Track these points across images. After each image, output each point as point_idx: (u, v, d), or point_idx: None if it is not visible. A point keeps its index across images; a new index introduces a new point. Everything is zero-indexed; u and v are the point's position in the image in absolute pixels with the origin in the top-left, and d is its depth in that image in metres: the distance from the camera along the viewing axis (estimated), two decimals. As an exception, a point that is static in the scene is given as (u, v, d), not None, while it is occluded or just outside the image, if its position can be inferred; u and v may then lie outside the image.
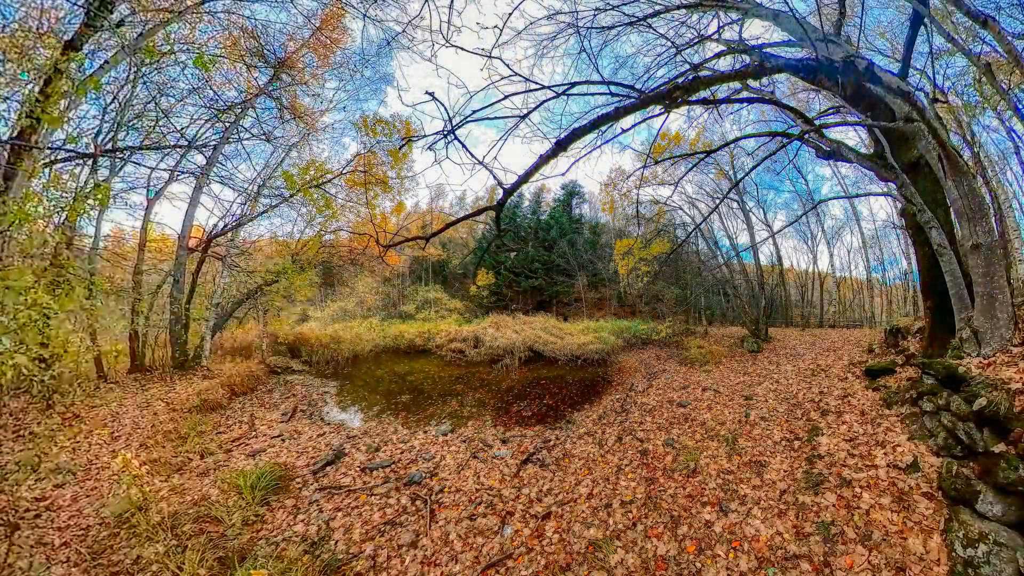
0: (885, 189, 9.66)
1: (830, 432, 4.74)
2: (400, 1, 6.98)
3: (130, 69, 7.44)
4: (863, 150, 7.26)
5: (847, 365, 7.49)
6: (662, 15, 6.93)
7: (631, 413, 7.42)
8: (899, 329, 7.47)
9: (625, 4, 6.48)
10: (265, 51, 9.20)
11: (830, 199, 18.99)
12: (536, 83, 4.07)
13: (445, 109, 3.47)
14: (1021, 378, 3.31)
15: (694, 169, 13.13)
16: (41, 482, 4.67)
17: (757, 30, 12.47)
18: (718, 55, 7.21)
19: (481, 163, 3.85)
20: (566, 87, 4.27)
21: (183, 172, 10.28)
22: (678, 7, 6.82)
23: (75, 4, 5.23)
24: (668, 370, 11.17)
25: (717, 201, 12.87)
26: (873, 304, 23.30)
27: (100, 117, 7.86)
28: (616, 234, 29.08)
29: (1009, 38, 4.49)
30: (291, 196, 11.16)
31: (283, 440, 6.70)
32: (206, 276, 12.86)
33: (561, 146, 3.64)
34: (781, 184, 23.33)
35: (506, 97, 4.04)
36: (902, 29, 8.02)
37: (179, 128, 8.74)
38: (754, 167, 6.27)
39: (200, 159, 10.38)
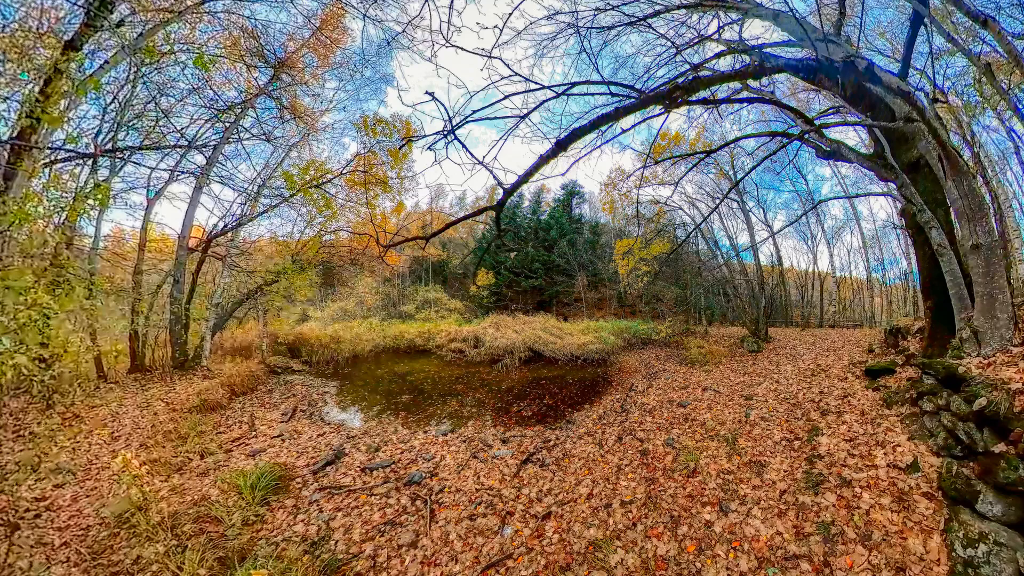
0: (885, 189, 9.67)
1: (830, 432, 4.73)
2: (400, 1, 7.00)
3: (130, 69, 7.44)
4: (863, 150, 7.26)
5: (847, 365, 7.48)
6: (662, 15, 6.93)
7: (631, 413, 7.42)
8: (899, 329, 7.46)
9: (625, 4, 6.48)
10: (265, 51, 9.20)
11: (830, 199, 19.07)
12: (536, 83, 4.08)
13: (445, 109, 3.47)
14: (1021, 378, 3.31)
15: (694, 169, 13.14)
16: (41, 482, 4.67)
17: (757, 30, 12.48)
18: (718, 55, 7.21)
19: (481, 163, 3.85)
20: (566, 87, 4.27)
21: (183, 172, 10.30)
22: (678, 7, 6.82)
23: (75, 4, 5.23)
24: (668, 370, 11.17)
25: (717, 201, 12.88)
26: (873, 304, 23.31)
27: (100, 117, 7.87)
28: (616, 234, 29.07)
29: (1009, 38, 4.49)
30: (291, 196, 11.16)
31: (283, 440, 6.70)
32: (206, 276, 12.86)
33: (561, 146, 3.65)
34: (781, 184, 23.40)
35: (506, 97, 4.05)
36: (902, 29, 8.02)
37: (179, 128, 8.75)
38: (754, 167, 6.27)
39: (200, 159, 10.39)
